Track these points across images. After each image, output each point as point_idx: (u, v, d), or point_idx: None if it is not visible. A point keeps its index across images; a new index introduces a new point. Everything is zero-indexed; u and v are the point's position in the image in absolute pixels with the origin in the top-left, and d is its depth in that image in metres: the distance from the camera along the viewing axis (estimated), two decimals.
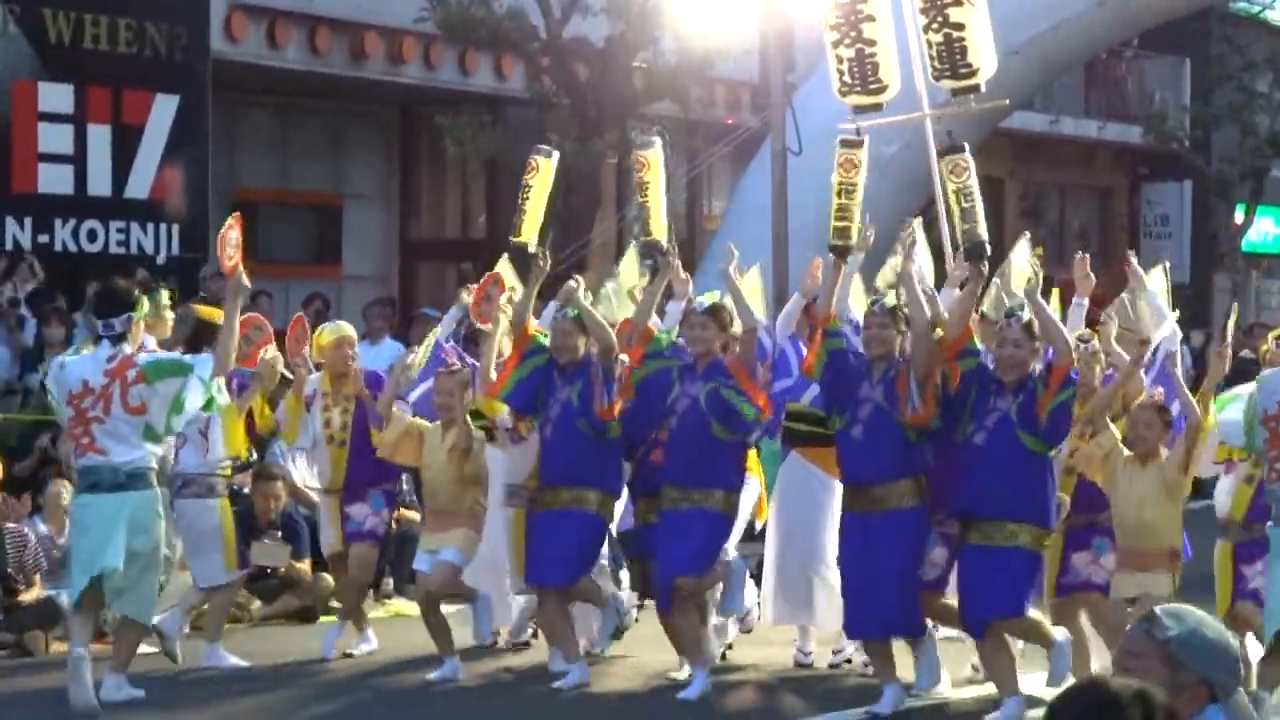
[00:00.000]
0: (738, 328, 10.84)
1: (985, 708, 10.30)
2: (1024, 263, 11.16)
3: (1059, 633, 10.30)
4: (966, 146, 10.63)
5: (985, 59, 10.87)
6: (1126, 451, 10.13)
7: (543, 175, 11.77)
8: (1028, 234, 11.23)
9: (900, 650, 10.64)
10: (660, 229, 11.45)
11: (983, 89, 10.97)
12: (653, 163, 11.55)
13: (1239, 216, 33.60)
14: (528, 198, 11.70)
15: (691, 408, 10.75)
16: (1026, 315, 10.08)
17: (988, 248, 10.38)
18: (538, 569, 11.23)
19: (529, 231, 11.65)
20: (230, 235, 10.45)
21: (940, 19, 10.84)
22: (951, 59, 10.86)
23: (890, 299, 10.51)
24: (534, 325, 11.48)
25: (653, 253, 11.55)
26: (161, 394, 10.13)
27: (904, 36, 11.32)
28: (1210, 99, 33.95)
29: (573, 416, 11.07)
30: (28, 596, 12.48)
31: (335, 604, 13.40)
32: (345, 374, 11.99)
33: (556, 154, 12.03)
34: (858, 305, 11.25)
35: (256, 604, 13.49)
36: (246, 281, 10.47)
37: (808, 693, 11.18)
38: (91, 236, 19.31)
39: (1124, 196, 37.91)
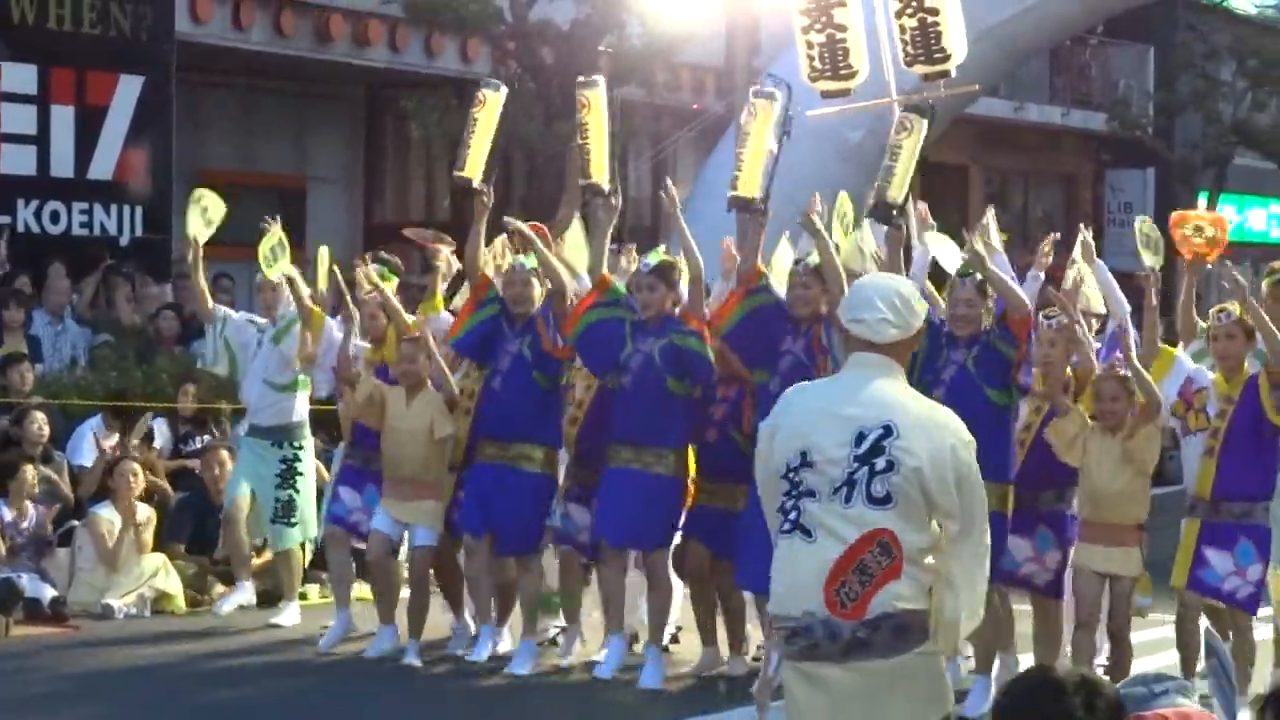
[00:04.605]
0: (685, 283, 10.71)
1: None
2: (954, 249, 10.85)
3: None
4: (926, 114, 10.43)
5: (957, 44, 10.83)
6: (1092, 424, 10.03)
7: (489, 109, 11.54)
8: (992, 209, 11.08)
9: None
10: (601, 172, 11.20)
11: (954, 74, 10.94)
12: (594, 103, 11.35)
13: (1202, 204, 33.65)
14: (474, 132, 11.48)
15: (645, 364, 10.66)
16: (979, 276, 9.92)
17: (893, 211, 10.22)
18: (507, 540, 11.13)
19: (473, 168, 11.45)
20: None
21: (915, 4, 10.78)
22: (926, 44, 10.79)
23: (813, 258, 10.34)
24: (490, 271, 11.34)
25: (593, 195, 11.28)
26: None
27: (872, 22, 11.27)
28: (1174, 86, 34.01)
29: (525, 369, 11.01)
30: None
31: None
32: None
33: (504, 88, 11.80)
34: (781, 278, 10.88)
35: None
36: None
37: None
38: (54, 218, 19.19)
39: (1088, 183, 37.99)
